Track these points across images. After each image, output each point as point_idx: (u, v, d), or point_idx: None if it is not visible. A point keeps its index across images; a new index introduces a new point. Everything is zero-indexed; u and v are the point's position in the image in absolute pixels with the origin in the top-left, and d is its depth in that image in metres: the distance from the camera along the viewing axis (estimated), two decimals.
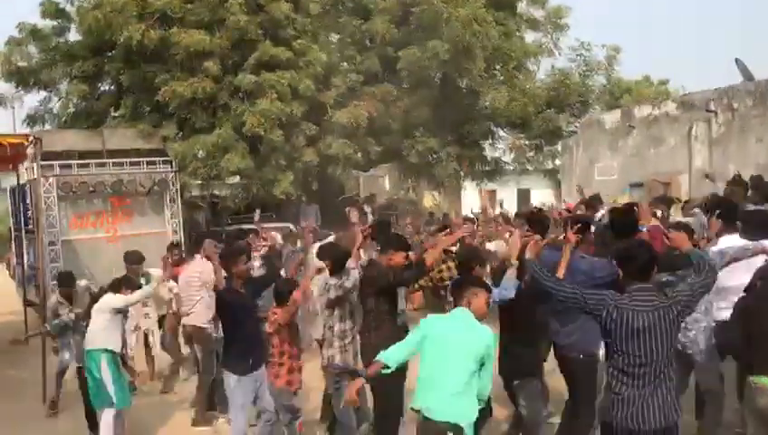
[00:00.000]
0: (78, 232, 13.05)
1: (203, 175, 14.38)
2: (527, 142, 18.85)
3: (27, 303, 12.28)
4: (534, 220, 5.93)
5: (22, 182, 12.87)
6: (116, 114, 15.85)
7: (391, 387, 5.25)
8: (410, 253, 5.99)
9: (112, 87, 16.05)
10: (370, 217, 16.05)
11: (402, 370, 5.15)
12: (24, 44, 15.38)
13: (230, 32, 13.68)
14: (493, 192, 26.20)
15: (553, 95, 17.54)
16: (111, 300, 6.48)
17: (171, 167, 13.98)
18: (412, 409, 4.20)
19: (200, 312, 7.16)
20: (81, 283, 7.83)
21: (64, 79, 15.52)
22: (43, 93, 16.01)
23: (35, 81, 15.39)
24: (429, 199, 26.74)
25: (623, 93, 29.86)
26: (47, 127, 16.01)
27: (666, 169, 16.80)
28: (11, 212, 16.05)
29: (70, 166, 13.00)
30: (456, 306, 4.27)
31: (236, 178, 15.59)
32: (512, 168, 19.97)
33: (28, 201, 13.34)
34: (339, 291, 5.50)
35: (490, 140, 18.82)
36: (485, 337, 4.09)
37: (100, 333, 6.37)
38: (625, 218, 5.43)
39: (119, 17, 13.60)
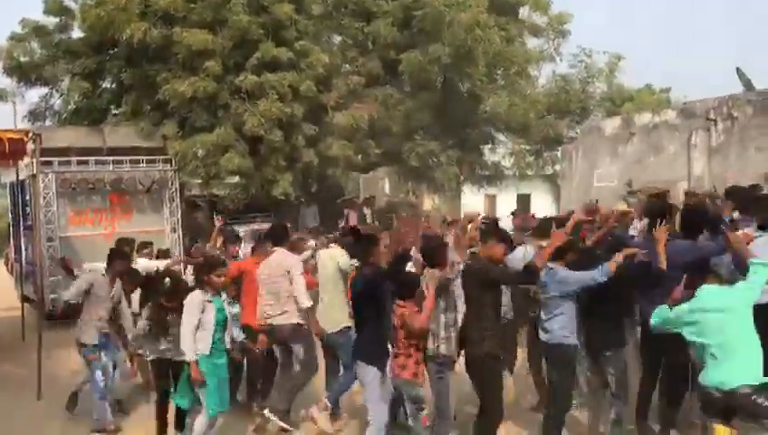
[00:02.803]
0: (76, 228, 13.09)
1: (202, 174, 14.40)
2: (527, 147, 18.86)
3: (24, 299, 12.30)
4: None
5: (21, 178, 12.89)
6: (117, 112, 15.87)
7: (498, 377, 5.62)
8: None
9: (114, 85, 16.06)
10: (369, 219, 16.09)
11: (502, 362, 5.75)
12: (27, 40, 15.42)
13: (232, 32, 13.70)
14: (493, 197, 26.26)
15: (554, 101, 17.59)
16: (189, 301, 5.91)
17: (171, 165, 14.02)
18: (706, 387, 4.51)
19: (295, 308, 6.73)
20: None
21: (66, 75, 15.54)
22: (44, 90, 16.09)
23: (37, 77, 15.43)
24: (429, 203, 26.75)
25: (624, 101, 29.87)
26: (48, 123, 16.04)
27: (665, 177, 16.82)
28: (10, 208, 16.08)
29: (69, 162, 13.04)
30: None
31: (236, 178, 15.58)
32: (512, 172, 19.97)
33: (27, 197, 13.36)
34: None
35: (490, 145, 18.83)
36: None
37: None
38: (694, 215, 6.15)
39: (121, 15, 13.61)
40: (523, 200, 25.95)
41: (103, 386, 6.82)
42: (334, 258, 6.74)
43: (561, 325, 5.64)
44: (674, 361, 5.84)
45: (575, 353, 5.80)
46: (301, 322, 6.66)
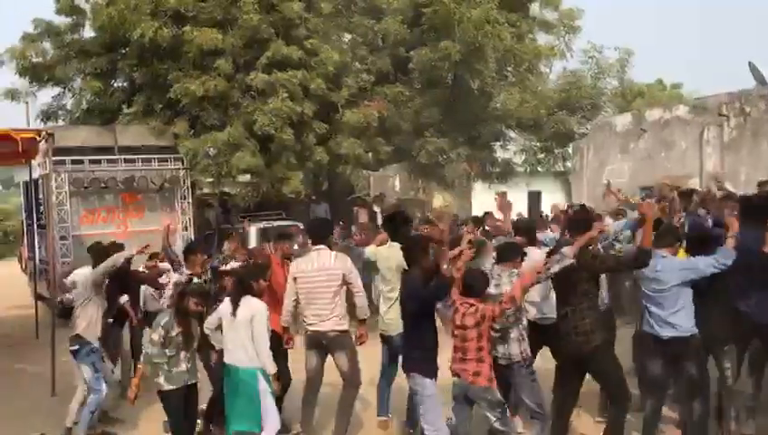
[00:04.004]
0: (89, 227, 13.21)
1: (213, 172, 14.44)
2: (538, 144, 18.81)
3: (38, 297, 12.42)
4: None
5: (34, 177, 13.00)
6: (128, 111, 15.92)
7: (617, 362, 5.51)
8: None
9: (125, 84, 16.12)
10: (380, 217, 16.09)
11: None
12: (39, 40, 15.49)
13: (242, 30, 13.73)
14: (504, 193, 26.15)
15: (565, 97, 17.50)
16: (264, 310, 5.54)
17: (182, 164, 14.11)
18: None
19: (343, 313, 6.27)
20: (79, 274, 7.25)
21: (78, 75, 15.61)
22: (56, 89, 16.12)
23: (49, 77, 15.49)
24: (439, 200, 26.73)
25: (635, 97, 29.75)
26: (60, 123, 16.12)
27: (676, 173, 16.75)
28: (23, 206, 16.21)
29: (82, 162, 13.16)
30: None
31: (247, 177, 15.62)
32: (522, 169, 19.93)
33: (40, 196, 13.49)
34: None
35: (501, 142, 18.78)
36: None
37: (252, 347, 5.46)
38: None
39: (132, 15, 13.67)
40: (534, 197, 25.85)
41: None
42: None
43: (689, 316, 5.43)
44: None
45: None
46: (348, 328, 6.23)
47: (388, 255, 6.41)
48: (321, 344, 6.24)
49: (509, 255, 5.86)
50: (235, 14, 13.75)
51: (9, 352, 10.79)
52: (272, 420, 5.54)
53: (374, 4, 15.86)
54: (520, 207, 23.03)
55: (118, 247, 7.38)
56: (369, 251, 6.81)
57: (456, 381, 5.36)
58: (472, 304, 5.24)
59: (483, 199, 26.14)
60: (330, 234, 6.66)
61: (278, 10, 13.96)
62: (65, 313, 11.53)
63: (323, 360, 6.34)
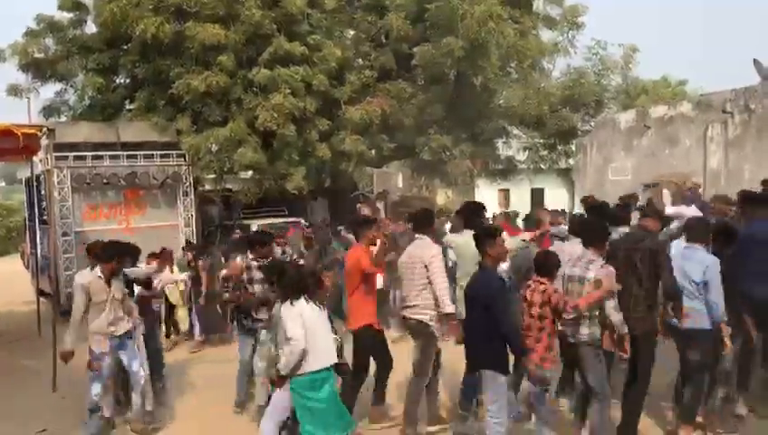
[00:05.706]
0: (91, 223, 13.19)
1: (216, 169, 14.42)
2: (541, 141, 18.73)
3: (40, 292, 12.40)
4: None
5: (36, 173, 12.98)
6: (131, 107, 15.91)
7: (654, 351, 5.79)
8: None
9: (127, 80, 16.10)
10: (382, 214, 16.08)
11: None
12: (42, 36, 15.45)
13: (245, 26, 13.70)
14: (506, 191, 26.10)
15: (568, 94, 17.40)
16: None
17: (184, 160, 14.08)
18: None
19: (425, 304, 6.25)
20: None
21: (80, 71, 15.57)
22: (59, 85, 16.08)
23: (52, 72, 15.45)
24: (442, 197, 26.69)
25: (640, 94, 29.68)
26: (62, 119, 16.09)
27: (680, 170, 16.71)
28: (26, 203, 16.20)
29: (84, 157, 13.13)
30: None
31: (249, 173, 15.60)
32: (525, 166, 19.86)
33: (42, 192, 13.47)
34: None
35: (503, 139, 18.71)
36: None
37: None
38: None
39: (135, 10, 13.67)
40: (537, 195, 25.83)
41: (97, 400, 6.37)
42: None
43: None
44: None
45: None
46: (426, 320, 6.18)
47: (463, 242, 6.52)
48: (409, 330, 6.47)
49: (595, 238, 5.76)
50: (238, 9, 13.72)
51: (11, 349, 10.78)
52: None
53: (377, 1, 15.80)
54: (523, 204, 23.03)
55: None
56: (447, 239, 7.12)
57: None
58: (542, 283, 5.45)
59: (486, 196, 26.13)
60: (432, 224, 6.70)
61: (280, 6, 13.93)
62: (67, 310, 11.60)
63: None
